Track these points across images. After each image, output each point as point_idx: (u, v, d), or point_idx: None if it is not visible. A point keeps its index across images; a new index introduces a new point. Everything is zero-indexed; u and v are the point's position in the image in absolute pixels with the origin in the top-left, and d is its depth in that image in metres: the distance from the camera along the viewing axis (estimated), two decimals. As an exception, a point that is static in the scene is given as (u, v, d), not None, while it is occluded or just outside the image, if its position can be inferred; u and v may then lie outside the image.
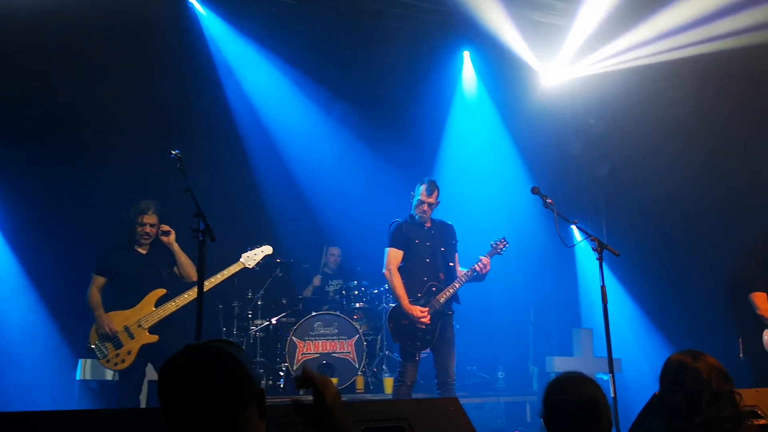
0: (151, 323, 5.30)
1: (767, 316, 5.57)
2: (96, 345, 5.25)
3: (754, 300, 5.67)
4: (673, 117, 7.65)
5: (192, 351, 1.68)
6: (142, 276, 5.38)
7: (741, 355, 5.82)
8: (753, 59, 6.71)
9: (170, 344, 5.21)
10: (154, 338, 5.29)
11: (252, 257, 5.54)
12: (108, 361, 5.25)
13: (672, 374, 2.78)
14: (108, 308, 5.36)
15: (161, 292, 5.40)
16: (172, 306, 5.32)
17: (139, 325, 5.28)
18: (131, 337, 5.26)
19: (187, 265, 5.52)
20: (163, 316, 5.31)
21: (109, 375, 6.15)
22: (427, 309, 5.44)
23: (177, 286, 5.51)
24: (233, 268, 5.44)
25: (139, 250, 5.47)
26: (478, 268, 5.50)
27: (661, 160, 7.66)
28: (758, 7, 6.62)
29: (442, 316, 5.52)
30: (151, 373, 5.62)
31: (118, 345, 5.25)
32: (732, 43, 6.84)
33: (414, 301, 5.48)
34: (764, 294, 5.66)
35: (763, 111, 6.81)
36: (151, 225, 5.38)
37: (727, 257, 6.62)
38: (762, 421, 3.25)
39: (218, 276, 5.36)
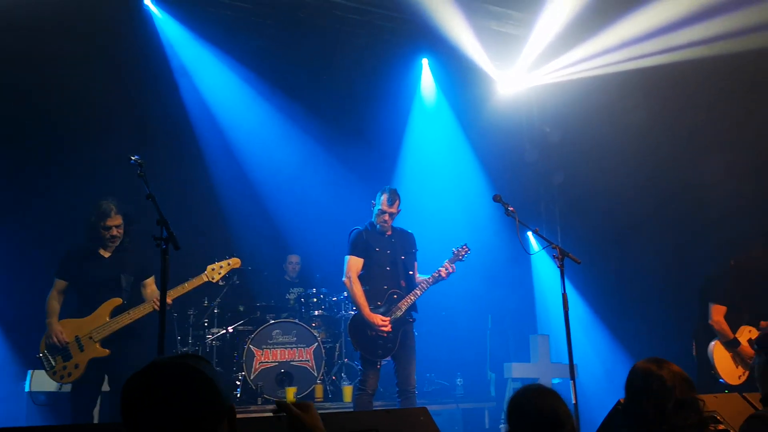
0: (104, 335, 4.90)
1: (716, 328, 5.82)
2: (44, 354, 4.90)
3: (711, 309, 5.87)
4: (625, 126, 7.82)
5: (158, 368, 1.60)
6: (102, 281, 4.98)
7: (694, 354, 6.02)
8: (700, 71, 6.92)
9: (129, 355, 4.94)
10: (105, 353, 4.89)
11: (218, 270, 5.08)
12: (54, 373, 4.89)
13: (638, 382, 2.81)
14: (65, 315, 5.02)
15: (117, 302, 4.99)
16: (126, 318, 4.91)
17: (90, 337, 4.88)
18: (81, 349, 4.89)
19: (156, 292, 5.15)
20: (116, 329, 4.89)
21: (58, 386, 5.79)
22: (388, 318, 5.42)
23: (137, 297, 5.15)
24: (196, 282, 5.00)
25: (103, 253, 5.06)
26: (440, 275, 5.52)
27: (615, 168, 7.82)
28: (703, 23, 6.83)
29: (403, 324, 5.52)
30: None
31: (66, 357, 4.89)
32: (680, 56, 7.05)
33: (375, 309, 5.47)
34: (723, 308, 5.87)
35: (711, 120, 7.01)
36: (117, 227, 4.97)
37: (675, 264, 6.81)
38: (721, 427, 3.32)
39: (179, 288, 4.94)
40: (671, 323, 7.21)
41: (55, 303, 5.00)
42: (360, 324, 5.48)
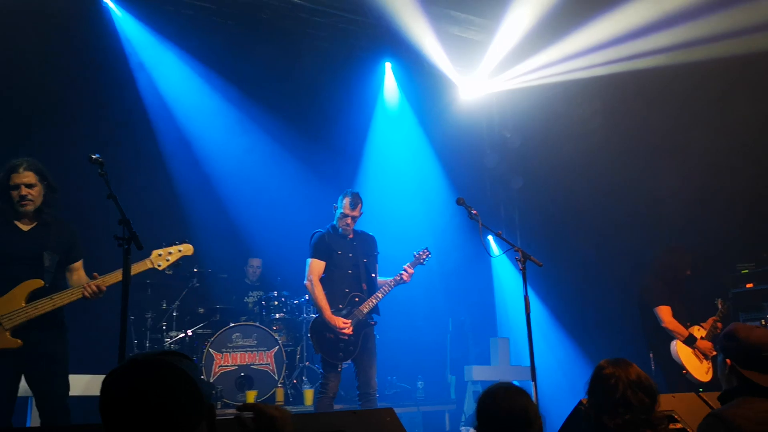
0: (16, 323, 3.98)
1: (671, 329, 5.87)
2: None
3: (659, 313, 5.97)
4: (584, 132, 7.98)
5: (139, 364, 1.58)
6: (17, 257, 4.12)
7: (653, 367, 6.10)
8: (658, 79, 7.10)
9: (49, 351, 4.16)
10: (16, 343, 3.97)
11: (165, 256, 4.32)
12: None
13: (598, 381, 2.86)
14: None
15: (37, 283, 4.09)
16: (47, 304, 4.04)
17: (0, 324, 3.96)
18: None
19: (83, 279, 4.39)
20: (33, 315, 4.01)
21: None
22: (350, 321, 5.42)
23: (61, 281, 4.36)
24: (139, 267, 4.20)
25: (19, 225, 4.22)
26: (401, 278, 5.55)
27: (573, 174, 7.96)
28: (663, 32, 6.99)
29: (364, 327, 5.53)
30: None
31: None
32: (639, 64, 7.21)
33: (336, 312, 5.46)
34: (668, 308, 5.96)
35: (668, 127, 7.20)
36: (27, 186, 4.14)
37: (635, 269, 6.95)
38: (678, 425, 3.39)
39: (115, 274, 4.14)
40: (629, 326, 7.35)
41: None
42: (321, 327, 5.46)
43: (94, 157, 3.62)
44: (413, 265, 5.66)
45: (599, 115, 8.06)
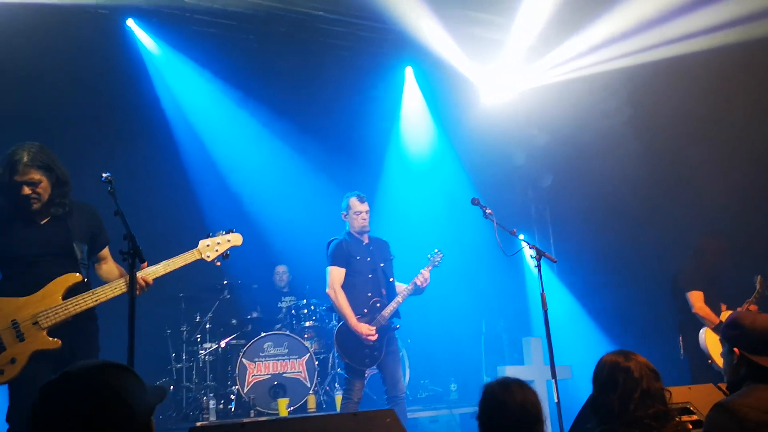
0: (54, 321, 3.64)
1: (701, 315, 5.74)
2: None
3: (690, 298, 5.85)
4: (611, 125, 7.85)
5: (71, 379, 1.54)
6: (43, 254, 3.77)
7: (682, 353, 5.97)
8: (686, 67, 6.92)
9: (91, 348, 3.90)
10: (56, 344, 3.64)
11: (213, 247, 4.06)
12: None
13: (605, 375, 2.83)
14: None
15: (74, 278, 3.76)
16: (90, 300, 3.72)
17: (35, 323, 3.61)
18: (20, 337, 3.58)
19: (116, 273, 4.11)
20: (74, 312, 3.68)
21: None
22: (374, 327, 5.46)
23: (93, 273, 4.08)
24: (186, 257, 3.99)
25: (35, 219, 3.83)
26: (418, 282, 5.55)
27: (602, 168, 7.83)
28: (687, 18, 6.83)
29: (387, 331, 5.56)
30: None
31: None
32: (664, 53, 7.05)
33: (359, 317, 5.50)
34: (701, 293, 5.85)
35: (698, 116, 7.02)
36: (30, 184, 3.70)
37: (668, 261, 6.81)
38: (694, 417, 3.31)
39: (168, 264, 3.94)
40: (667, 321, 7.19)
41: None
42: (346, 334, 5.51)
43: (104, 176, 3.65)
44: (428, 269, 5.65)
45: (627, 107, 7.91)
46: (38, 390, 1.53)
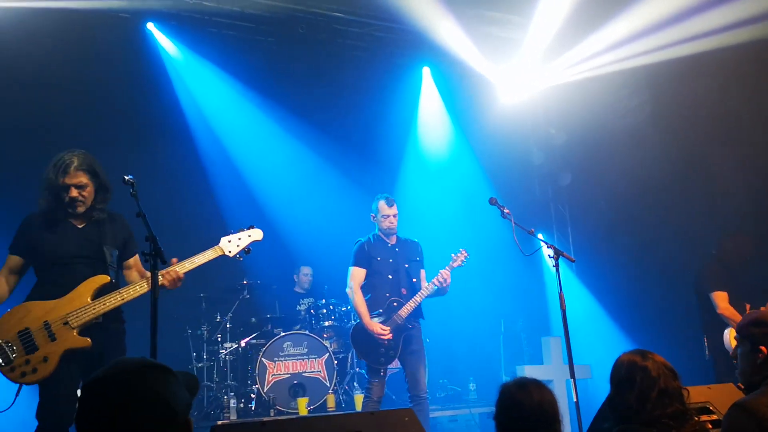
0: (84, 321, 3.78)
1: (726, 315, 5.68)
2: None
3: (714, 299, 5.80)
4: (631, 124, 7.79)
5: (113, 378, 1.56)
6: (77, 256, 3.94)
7: (707, 354, 5.92)
8: (708, 64, 6.84)
9: (118, 347, 4.04)
10: (86, 342, 3.78)
11: (235, 242, 4.20)
12: (12, 370, 3.66)
13: (623, 374, 2.83)
14: (30, 299, 3.94)
15: (103, 279, 3.92)
16: (117, 299, 3.86)
17: (66, 323, 3.75)
18: (51, 337, 3.72)
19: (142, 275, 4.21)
20: (101, 312, 3.83)
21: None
22: (388, 327, 5.51)
23: (122, 278, 4.24)
24: (209, 254, 4.12)
25: (74, 222, 4.01)
26: (436, 282, 5.57)
27: (622, 167, 7.77)
28: (710, 13, 6.75)
29: (404, 330, 5.60)
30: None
31: (30, 347, 3.69)
32: (686, 50, 6.97)
33: (375, 316, 5.58)
34: (725, 294, 5.79)
35: (717, 116, 6.95)
36: (78, 187, 3.91)
37: (688, 260, 6.75)
38: (714, 417, 3.30)
39: (194, 260, 4.08)
40: (687, 321, 7.13)
41: (2, 283, 3.96)
42: (362, 333, 5.61)
43: (127, 178, 3.74)
44: (450, 268, 5.68)
45: (648, 105, 7.85)
46: (83, 386, 1.60)
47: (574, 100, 8.42)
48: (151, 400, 1.53)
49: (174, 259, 3.96)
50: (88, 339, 3.79)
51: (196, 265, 4.07)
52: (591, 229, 8.54)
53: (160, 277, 3.74)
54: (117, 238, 4.09)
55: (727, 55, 6.61)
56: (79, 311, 3.79)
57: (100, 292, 3.88)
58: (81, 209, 3.96)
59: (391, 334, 5.50)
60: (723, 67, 6.74)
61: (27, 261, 4.01)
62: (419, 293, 5.62)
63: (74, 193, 3.90)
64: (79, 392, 3.84)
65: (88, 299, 3.84)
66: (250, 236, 4.26)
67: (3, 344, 3.69)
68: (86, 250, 3.96)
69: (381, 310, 5.62)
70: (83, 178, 3.92)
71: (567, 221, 9.11)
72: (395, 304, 5.62)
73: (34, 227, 3.98)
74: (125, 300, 3.88)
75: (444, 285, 5.60)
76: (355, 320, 7.44)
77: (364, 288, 5.68)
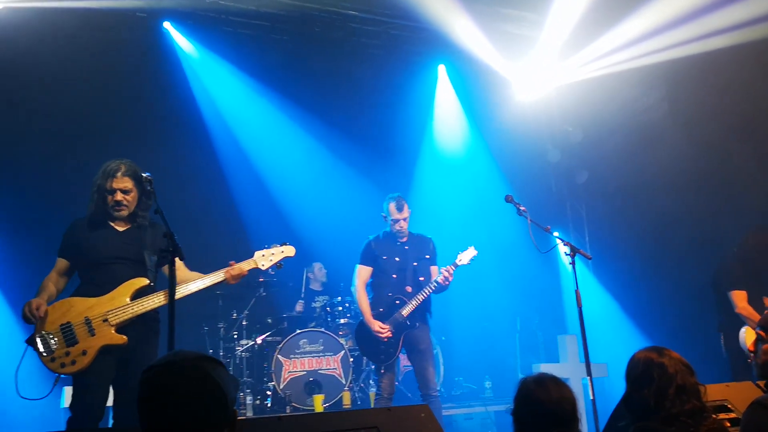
0: (122, 319, 4.00)
1: (744, 314, 5.63)
2: (42, 336, 3.88)
3: (733, 298, 5.74)
4: (648, 121, 7.75)
5: (180, 365, 1.68)
6: (118, 258, 4.17)
7: (723, 352, 5.88)
8: (726, 61, 6.78)
9: (151, 348, 4.21)
10: (122, 339, 3.99)
11: (268, 257, 4.48)
12: (52, 360, 3.85)
13: (639, 371, 2.81)
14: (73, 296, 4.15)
15: (142, 281, 4.14)
16: (154, 301, 4.09)
17: (105, 320, 3.97)
18: (91, 332, 3.94)
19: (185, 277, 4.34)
20: (139, 312, 4.04)
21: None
22: (388, 326, 5.55)
23: (159, 281, 4.37)
24: (244, 266, 4.36)
25: (115, 226, 4.24)
26: (440, 280, 5.56)
27: (639, 165, 7.73)
28: (729, 9, 6.69)
29: (405, 329, 5.61)
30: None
31: (71, 340, 3.90)
32: (703, 46, 6.91)
33: (377, 315, 5.61)
34: (744, 293, 5.73)
35: (735, 113, 6.88)
36: (124, 191, 4.16)
37: (704, 257, 6.70)
38: (732, 415, 3.28)
39: (248, 261, 4.42)
40: (706, 318, 7.07)
41: (50, 285, 4.15)
42: (363, 330, 5.68)
43: (144, 175, 3.84)
44: (454, 266, 5.61)
45: (665, 103, 7.80)
46: (143, 373, 1.67)
47: (591, 97, 8.38)
48: (210, 387, 1.66)
49: (231, 262, 4.30)
50: (125, 336, 4.00)
51: (244, 271, 4.35)
52: (607, 227, 8.49)
53: (222, 273, 4.22)
54: (156, 244, 4.21)
55: (745, 51, 6.55)
56: (118, 310, 4.02)
57: (139, 294, 4.11)
58: (124, 213, 4.20)
59: (390, 333, 5.54)
60: (742, 63, 6.68)
61: (73, 263, 4.23)
62: (421, 292, 5.61)
63: (119, 196, 4.15)
64: (111, 388, 4.12)
65: (127, 299, 4.06)
66: (282, 252, 4.54)
67: (46, 335, 3.89)
68: (126, 253, 4.19)
69: (382, 309, 5.65)
70: (129, 184, 4.16)
71: (583, 219, 9.08)
72: (397, 302, 5.64)
73: (78, 230, 4.21)
74: (160, 304, 4.09)
75: (446, 284, 5.58)
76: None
77: (371, 286, 5.75)
